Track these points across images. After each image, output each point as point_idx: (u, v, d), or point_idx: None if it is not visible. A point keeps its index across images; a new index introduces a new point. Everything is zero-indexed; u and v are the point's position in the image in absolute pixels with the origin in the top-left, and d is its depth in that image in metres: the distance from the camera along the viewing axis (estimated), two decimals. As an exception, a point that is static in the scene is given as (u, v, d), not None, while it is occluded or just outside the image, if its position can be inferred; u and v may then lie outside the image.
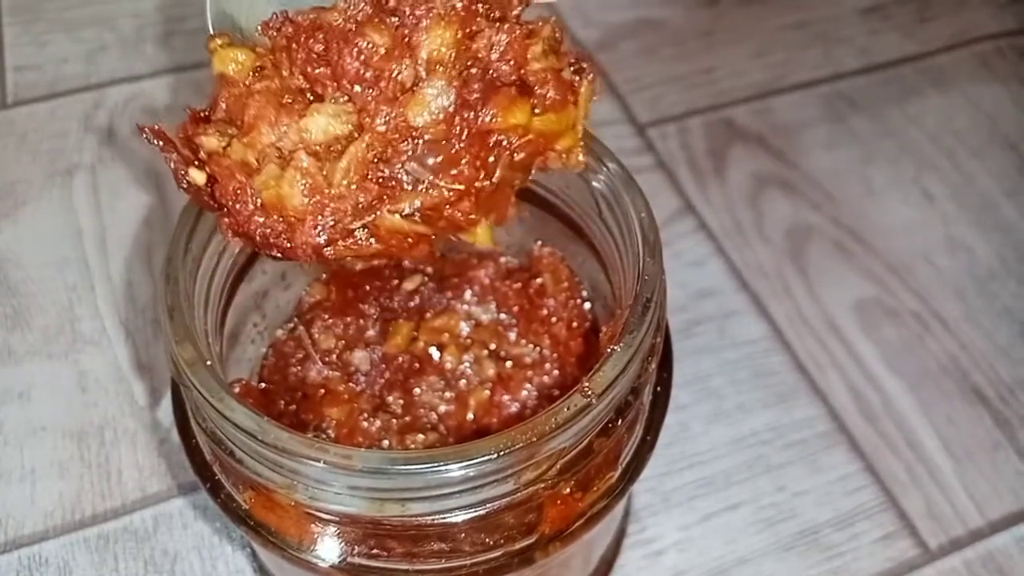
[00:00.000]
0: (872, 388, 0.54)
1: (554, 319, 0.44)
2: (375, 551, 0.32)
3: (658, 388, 0.36)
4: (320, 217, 0.29)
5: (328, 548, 0.33)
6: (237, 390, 0.39)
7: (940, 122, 0.69)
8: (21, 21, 0.72)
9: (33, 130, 0.65)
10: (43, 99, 0.67)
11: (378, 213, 0.29)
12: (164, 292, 0.32)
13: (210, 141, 0.30)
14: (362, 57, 0.29)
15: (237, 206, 0.30)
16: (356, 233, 0.30)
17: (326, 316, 0.44)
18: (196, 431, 0.34)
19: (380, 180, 0.29)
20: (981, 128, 0.69)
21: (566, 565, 0.40)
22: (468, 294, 0.46)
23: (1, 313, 0.55)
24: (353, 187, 0.29)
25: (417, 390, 0.44)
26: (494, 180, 0.30)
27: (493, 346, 0.45)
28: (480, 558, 0.33)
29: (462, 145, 0.29)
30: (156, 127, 0.30)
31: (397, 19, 0.29)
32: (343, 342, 0.44)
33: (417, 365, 0.44)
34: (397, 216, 0.29)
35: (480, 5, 0.30)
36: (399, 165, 0.29)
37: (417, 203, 0.29)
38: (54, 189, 0.61)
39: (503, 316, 0.46)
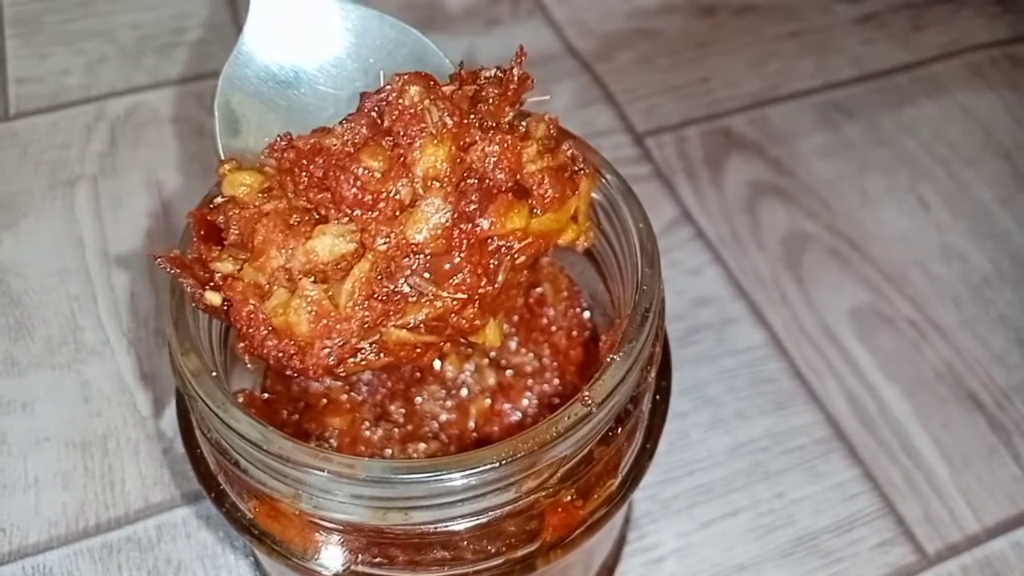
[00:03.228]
0: (869, 395, 0.54)
1: (554, 328, 0.44)
2: (378, 559, 0.33)
3: (657, 396, 0.37)
4: (328, 340, 0.30)
5: (332, 557, 0.33)
6: (241, 400, 0.39)
7: (934, 131, 0.70)
8: (22, 34, 0.73)
9: (35, 142, 0.65)
10: (45, 111, 0.67)
11: (384, 329, 0.30)
12: (170, 304, 0.33)
13: (224, 266, 0.31)
14: (359, 183, 0.30)
15: (250, 330, 0.31)
16: (364, 349, 0.31)
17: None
18: (201, 441, 0.34)
19: (385, 297, 0.30)
20: (975, 137, 0.70)
21: (567, 572, 0.40)
22: (468, 304, 0.46)
23: (4, 324, 0.55)
24: (358, 308, 0.30)
25: (418, 399, 0.44)
26: (497, 285, 0.31)
27: (493, 355, 0.45)
28: (482, 566, 0.33)
29: (463, 255, 0.30)
30: (171, 254, 0.31)
31: (392, 139, 0.30)
32: (345, 352, 0.44)
33: (418, 374, 0.45)
34: (404, 330, 0.30)
35: (471, 117, 0.31)
36: (402, 280, 0.30)
37: (421, 315, 0.30)
38: (56, 200, 0.62)
39: (503, 325, 0.46)
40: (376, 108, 0.31)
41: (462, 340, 0.32)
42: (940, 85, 0.73)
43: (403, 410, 0.44)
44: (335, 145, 0.31)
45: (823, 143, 0.69)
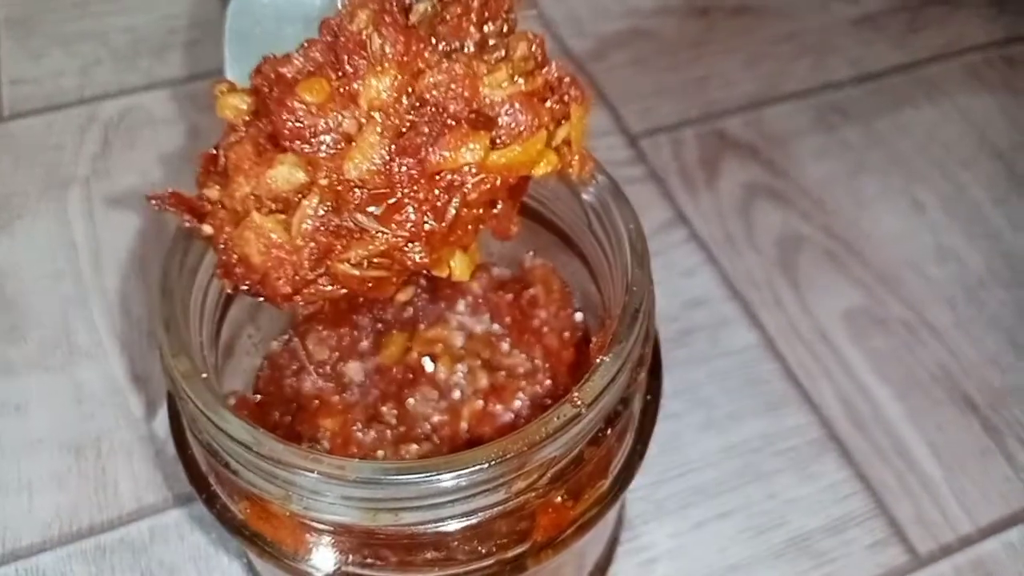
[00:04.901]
0: (862, 396, 0.54)
1: (546, 329, 0.44)
2: (369, 560, 0.33)
3: (648, 397, 0.37)
4: (280, 270, 0.30)
5: (323, 557, 0.33)
6: (233, 402, 0.39)
7: (930, 132, 0.70)
8: (17, 36, 0.73)
9: (29, 143, 0.65)
10: (39, 112, 0.67)
11: (328, 264, 0.30)
12: (160, 306, 0.33)
13: (211, 193, 0.31)
14: (293, 117, 0.29)
15: (224, 257, 0.30)
16: (319, 281, 0.30)
17: (320, 328, 0.44)
18: (192, 443, 0.34)
19: (333, 231, 0.29)
20: (970, 138, 0.70)
21: (559, 572, 0.40)
22: (461, 305, 0.46)
23: (-3, 326, 0.55)
24: (303, 241, 0.29)
25: (411, 401, 0.44)
26: (445, 223, 0.29)
27: (486, 356, 0.45)
28: (473, 566, 0.33)
29: (405, 192, 0.29)
30: (164, 192, 0.31)
31: (340, 68, 0.29)
32: (337, 353, 0.44)
33: (411, 376, 0.45)
34: (347, 264, 0.30)
35: (422, 44, 0.29)
36: (347, 215, 0.29)
37: (364, 251, 0.30)
38: (49, 202, 0.62)
39: (496, 327, 0.46)
40: (332, 34, 0.30)
41: (425, 271, 0.31)
42: (936, 86, 0.74)
43: (395, 412, 0.44)
44: (290, 73, 0.30)
45: (818, 144, 0.69)
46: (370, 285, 0.31)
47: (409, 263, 0.30)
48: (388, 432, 0.43)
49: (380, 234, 0.29)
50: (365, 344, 0.45)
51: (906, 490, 0.51)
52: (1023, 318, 0.59)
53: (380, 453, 0.43)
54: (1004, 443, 0.53)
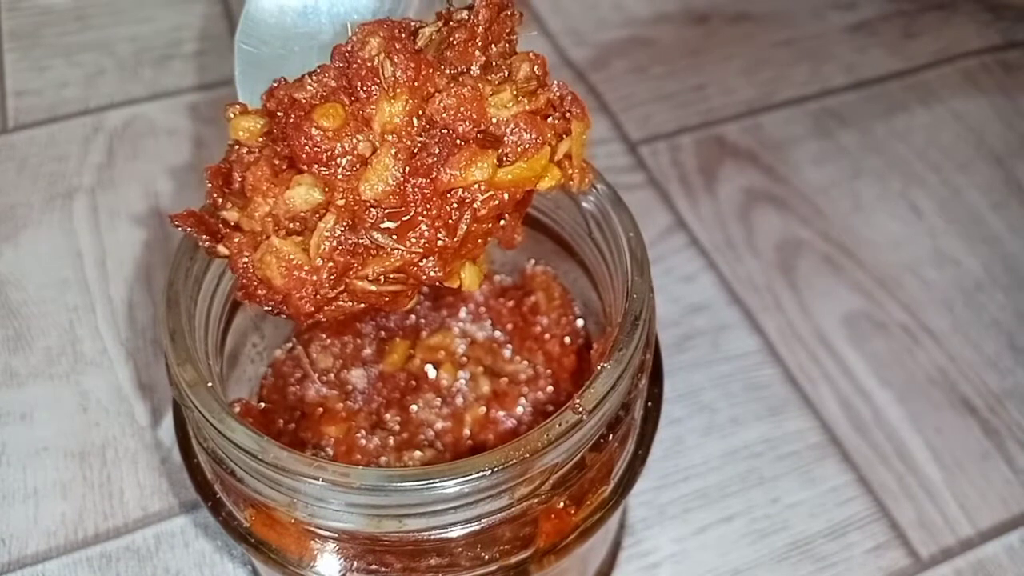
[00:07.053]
0: (862, 400, 0.55)
1: (547, 336, 0.45)
2: (374, 566, 0.33)
3: (649, 403, 0.37)
4: (302, 291, 0.30)
5: (328, 564, 0.33)
6: (237, 410, 0.40)
7: (927, 137, 0.70)
8: (21, 47, 0.73)
9: (33, 154, 0.66)
10: (43, 123, 0.68)
11: (348, 280, 0.31)
12: (166, 316, 0.33)
13: (230, 214, 0.31)
14: (311, 142, 0.30)
15: (244, 280, 0.31)
16: (339, 298, 0.31)
17: (324, 336, 0.45)
18: (197, 451, 0.35)
19: (350, 249, 0.30)
20: (967, 142, 0.70)
21: (562, 578, 0.40)
22: (463, 312, 0.47)
23: (3, 335, 0.56)
24: (322, 261, 0.30)
25: (414, 407, 0.45)
26: (457, 239, 0.30)
27: (488, 363, 0.46)
28: (477, 572, 0.33)
29: (419, 210, 0.30)
30: (184, 212, 0.31)
31: (353, 93, 0.30)
32: (340, 361, 0.45)
33: (414, 383, 0.45)
34: (364, 281, 0.31)
35: (431, 69, 0.30)
36: (363, 233, 0.30)
37: (380, 268, 0.30)
38: (54, 212, 0.62)
39: (498, 334, 0.46)
40: (344, 60, 0.30)
41: (438, 284, 0.32)
42: (932, 92, 0.74)
43: (399, 418, 0.44)
44: (304, 98, 0.30)
45: (816, 150, 0.69)
46: (387, 299, 0.32)
47: (423, 277, 0.31)
48: (391, 439, 0.44)
49: (396, 251, 0.30)
50: (368, 351, 0.45)
51: (907, 493, 0.51)
52: (1021, 321, 0.59)
53: (383, 460, 0.43)
54: (1004, 446, 0.53)
